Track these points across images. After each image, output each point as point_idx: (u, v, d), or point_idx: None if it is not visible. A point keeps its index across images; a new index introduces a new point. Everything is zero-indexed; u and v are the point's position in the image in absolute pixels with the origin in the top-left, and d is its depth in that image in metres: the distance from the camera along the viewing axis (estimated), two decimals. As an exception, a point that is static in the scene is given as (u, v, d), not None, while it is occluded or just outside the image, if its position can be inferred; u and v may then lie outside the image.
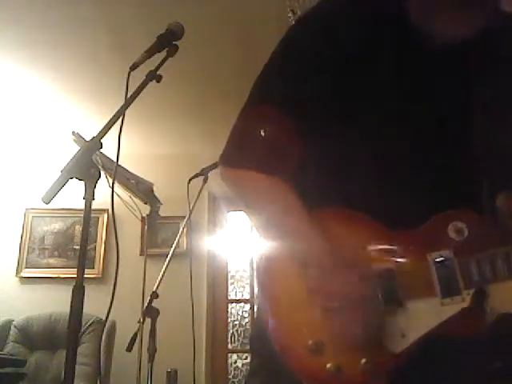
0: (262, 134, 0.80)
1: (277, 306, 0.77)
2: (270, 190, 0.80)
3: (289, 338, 0.75)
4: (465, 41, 0.77)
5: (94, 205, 0.86)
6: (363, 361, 0.71)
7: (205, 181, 2.35)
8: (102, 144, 0.90)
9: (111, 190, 1.08)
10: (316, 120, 0.80)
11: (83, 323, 2.57)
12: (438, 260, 0.73)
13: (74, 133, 2.21)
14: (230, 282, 3.73)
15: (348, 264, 0.73)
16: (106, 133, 0.92)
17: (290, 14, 2.09)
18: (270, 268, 0.79)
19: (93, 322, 2.93)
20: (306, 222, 0.76)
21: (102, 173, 0.97)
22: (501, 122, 0.80)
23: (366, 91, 0.79)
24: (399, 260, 0.74)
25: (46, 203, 0.79)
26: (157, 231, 3.52)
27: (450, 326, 0.71)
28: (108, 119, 0.96)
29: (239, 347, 3.62)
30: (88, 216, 0.85)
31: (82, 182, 0.85)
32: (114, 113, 0.98)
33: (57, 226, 3.61)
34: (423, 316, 0.72)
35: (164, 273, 2.09)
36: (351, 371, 0.71)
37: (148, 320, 2.00)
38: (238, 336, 3.63)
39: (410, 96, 0.80)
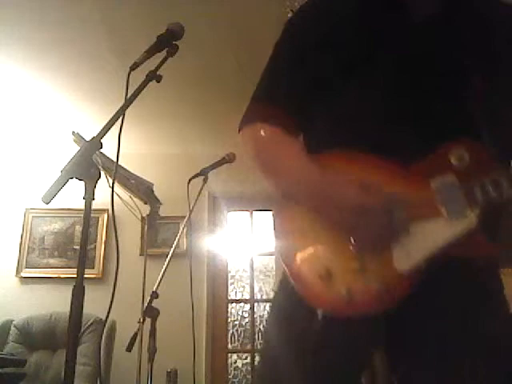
0: (263, 133, 0.88)
1: (291, 245, 0.83)
2: (281, 140, 0.87)
3: (303, 272, 0.81)
4: (447, 9, 0.84)
5: (94, 205, 0.86)
6: (374, 283, 0.74)
7: (205, 181, 2.36)
8: (101, 144, 0.90)
9: (111, 190, 1.07)
10: (322, 93, 0.87)
11: (83, 323, 2.58)
12: (440, 183, 0.76)
13: (73, 133, 2.21)
14: (230, 282, 3.74)
15: (357, 190, 0.77)
16: (105, 133, 0.92)
17: (289, 14, 2.10)
18: (283, 211, 0.85)
19: (93, 322, 2.93)
20: (314, 164, 0.83)
21: (102, 173, 0.97)
22: (493, 81, 0.82)
23: (366, 64, 0.85)
24: (404, 187, 0.77)
25: (46, 203, 0.79)
26: (157, 231, 3.52)
27: (456, 245, 0.73)
28: (108, 119, 0.96)
29: (239, 347, 3.62)
30: (88, 216, 0.84)
31: (82, 182, 0.85)
32: (114, 113, 0.97)
33: (57, 226, 3.61)
34: (429, 236, 0.74)
35: (164, 273, 2.09)
36: (363, 294, 0.75)
37: (148, 320, 2.00)
38: (238, 336, 3.63)
39: (412, 62, 0.84)
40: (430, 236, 0.74)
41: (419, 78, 0.83)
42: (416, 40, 0.85)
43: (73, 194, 1.30)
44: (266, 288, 3.75)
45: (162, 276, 2.08)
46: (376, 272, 0.75)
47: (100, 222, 3.58)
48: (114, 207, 1.01)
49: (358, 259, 0.77)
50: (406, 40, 0.85)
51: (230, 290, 3.71)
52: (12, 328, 2.99)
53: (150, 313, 1.99)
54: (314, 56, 0.87)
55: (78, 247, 0.90)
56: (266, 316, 3.71)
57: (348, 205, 0.77)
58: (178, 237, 2.22)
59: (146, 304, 2.01)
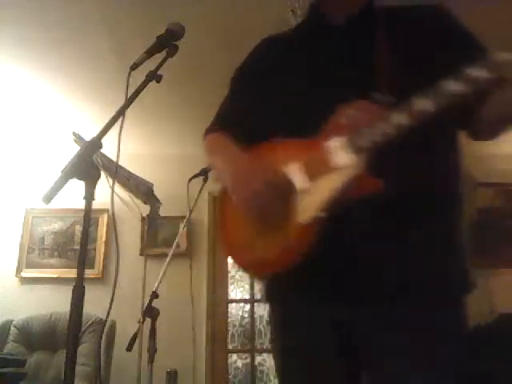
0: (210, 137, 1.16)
1: (227, 228, 1.03)
2: (218, 140, 1.12)
3: (234, 246, 1.00)
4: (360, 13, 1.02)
5: (94, 205, 0.86)
6: (282, 242, 0.89)
7: (205, 181, 2.36)
8: (102, 144, 0.90)
9: (111, 190, 1.08)
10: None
11: (83, 323, 2.57)
12: (331, 142, 0.87)
13: (74, 133, 2.22)
14: (230, 282, 3.74)
15: (263, 167, 0.93)
16: (106, 133, 0.92)
17: (289, 14, 2.10)
18: (221, 195, 1.03)
19: (93, 322, 2.93)
20: (235, 152, 1.02)
21: (102, 173, 0.97)
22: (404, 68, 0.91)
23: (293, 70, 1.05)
24: (308, 155, 0.90)
25: (46, 203, 0.79)
26: (157, 231, 3.52)
27: (349, 189, 0.84)
28: (108, 119, 0.96)
29: (239, 347, 3.62)
30: (88, 216, 0.84)
31: (82, 182, 0.85)
32: (114, 113, 0.98)
33: (57, 226, 3.61)
34: (322, 188, 0.87)
35: (164, 273, 2.09)
36: (277, 252, 0.90)
37: (148, 320, 2.00)
38: (238, 336, 3.63)
39: (320, 64, 1.01)
40: (323, 188, 0.86)
41: (327, 75, 0.97)
42: (329, 42, 1.03)
43: (73, 194, 1.30)
44: (266, 288, 3.75)
45: (162, 276, 2.08)
46: (284, 231, 0.89)
47: (100, 222, 3.58)
48: (114, 207, 1.01)
49: (270, 225, 0.91)
50: (320, 44, 1.05)
51: (230, 290, 3.71)
52: (12, 328, 2.99)
53: (150, 313, 1.99)
54: (248, 86, 1.16)
55: (78, 247, 0.90)
56: (266, 316, 3.71)
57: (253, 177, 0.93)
58: (177, 237, 2.22)
59: (146, 304, 2.01)
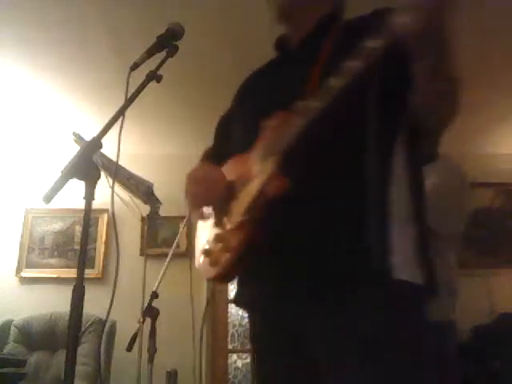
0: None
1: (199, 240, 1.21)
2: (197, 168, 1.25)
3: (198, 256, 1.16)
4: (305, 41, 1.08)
5: (94, 205, 0.86)
6: (220, 244, 0.98)
7: (205, 181, 2.35)
8: (102, 144, 0.90)
9: (111, 190, 1.08)
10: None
11: (83, 323, 2.58)
12: (253, 154, 0.97)
13: (74, 133, 2.22)
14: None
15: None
16: (105, 133, 0.92)
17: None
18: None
19: (93, 322, 2.93)
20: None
21: (102, 173, 0.97)
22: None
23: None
24: (242, 166, 1.00)
25: (46, 203, 0.79)
26: (157, 231, 3.52)
27: (264, 192, 0.89)
28: (108, 119, 0.96)
29: (239, 347, 3.62)
30: (88, 216, 0.84)
31: (82, 182, 0.85)
32: (114, 113, 0.98)
33: (57, 226, 3.61)
34: (246, 194, 0.94)
35: (164, 273, 2.09)
36: (220, 257, 0.98)
37: (148, 320, 2.00)
38: (238, 336, 3.64)
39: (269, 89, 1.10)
40: (246, 194, 0.94)
41: (268, 100, 1.04)
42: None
43: (73, 194, 1.30)
44: (266, 288, 3.74)
45: (162, 276, 2.08)
46: (223, 238, 0.99)
47: (100, 222, 3.58)
48: (114, 207, 1.01)
49: (217, 235, 1.02)
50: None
51: (229, 290, 3.71)
52: (12, 328, 2.99)
53: (150, 313, 1.99)
54: (228, 125, 1.30)
55: (78, 247, 0.90)
56: (265, 316, 3.70)
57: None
58: (177, 237, 2.22)
59: (146, 304, 2.01)
